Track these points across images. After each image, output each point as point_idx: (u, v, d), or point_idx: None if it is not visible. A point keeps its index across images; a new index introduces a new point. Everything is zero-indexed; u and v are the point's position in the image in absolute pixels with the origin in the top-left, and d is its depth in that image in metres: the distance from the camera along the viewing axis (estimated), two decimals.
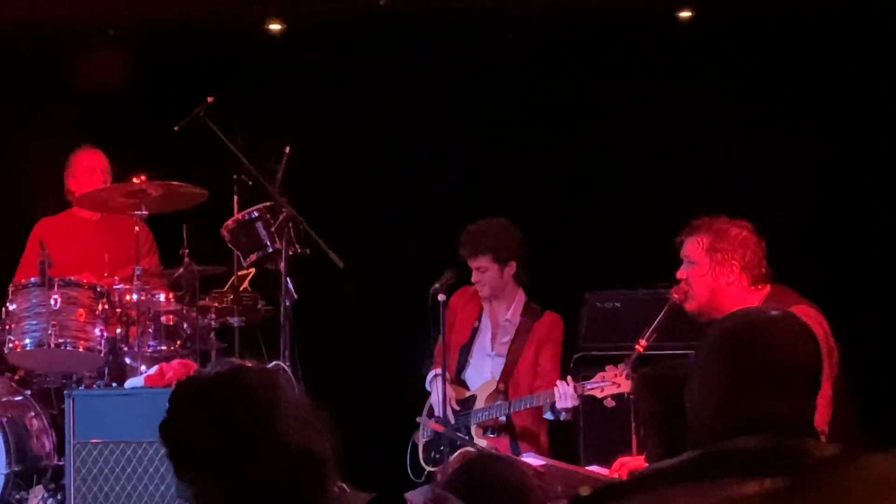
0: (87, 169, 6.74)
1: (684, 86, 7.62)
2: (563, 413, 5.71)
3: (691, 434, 2.67)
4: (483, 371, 6.29)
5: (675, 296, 4.96)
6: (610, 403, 5.52)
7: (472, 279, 6.26)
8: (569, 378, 5.69)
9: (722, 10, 7.57)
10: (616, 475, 4.43)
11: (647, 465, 3.26)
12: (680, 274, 4.86)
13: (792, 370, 2.66)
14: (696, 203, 5.34)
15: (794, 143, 7.53)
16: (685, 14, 7.61)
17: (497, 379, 6.20)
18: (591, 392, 5.55)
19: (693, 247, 4.83)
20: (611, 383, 5.45)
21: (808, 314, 4.74)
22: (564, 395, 5.62)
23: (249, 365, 2.64)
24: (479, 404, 6.19)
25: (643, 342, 5.06)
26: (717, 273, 4.77)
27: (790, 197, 7.43)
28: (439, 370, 6.24)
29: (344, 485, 2.65)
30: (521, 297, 6.34)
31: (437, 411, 6.21)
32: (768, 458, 2.54)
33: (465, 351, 6.32)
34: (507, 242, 6.22)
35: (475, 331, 6.35)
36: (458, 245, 6.29)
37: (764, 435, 2.57)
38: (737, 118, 7.62)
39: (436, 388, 6.25)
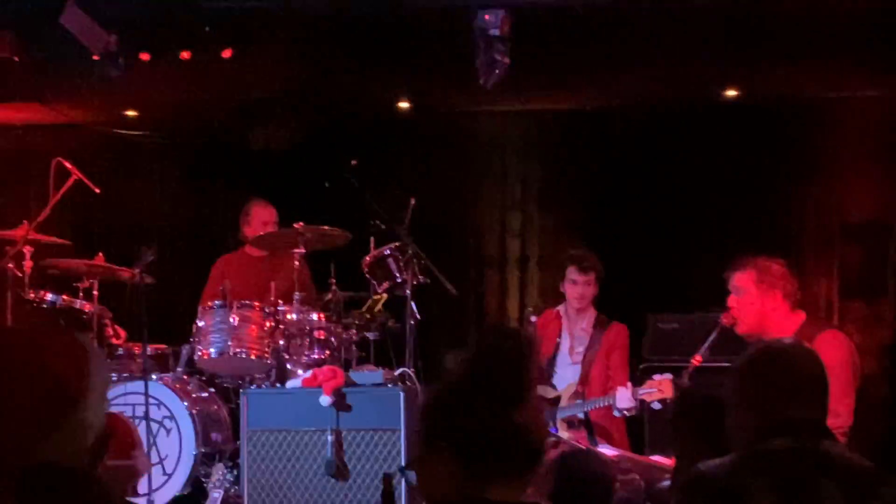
0: (262, 221, 6.77)
1: (732, 154, 7.61)
2: (626, 411, 5.70)
3: (731, 438, 2.70)
4: (566, 377, 6.29)
5: (725, 320, 4.92)
6: (656, 406, 5.51)
7: (576, 291, 6.16)
8: (629, 384, 5.69)
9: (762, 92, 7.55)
10: None
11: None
12: (731, 302, 4.81)
13: (804, 383, 2.68)
14: (739, 243, 5.34)
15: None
16: (731, 93, 7.57)
17: (577, 383, 6.20)
18: (642, 397, 5.54)
19: (742, 279, 4.78)
20: (656, 390, 5.44)
21: (837, 337, 4.70)
22: (623, 397, 5.62)
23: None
24: (563, 402, 6.19)
25: (698, 357, 5.00)
26: (764, 301, 4.72)
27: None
28: None
29: None
30: (592, 312, 6.31)
31: None
32: (800, 458, 2.57)
33: (551, 362, 6.32)
34: (602, 271, 6.23)
35: (557, 345, 6.34)
36: (572, 259, 6.22)
37: (791, 438, 2.59)
38: (769, 180, 7.61)
39: None
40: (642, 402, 5.52)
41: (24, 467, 1.74)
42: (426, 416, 2.09)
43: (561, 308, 6.33)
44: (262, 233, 6.66)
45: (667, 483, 3.73)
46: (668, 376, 5.45)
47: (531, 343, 2.11)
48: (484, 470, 1.99)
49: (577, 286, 6.18)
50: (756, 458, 2.56)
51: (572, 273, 6.20)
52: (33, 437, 1.76)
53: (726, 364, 4.99)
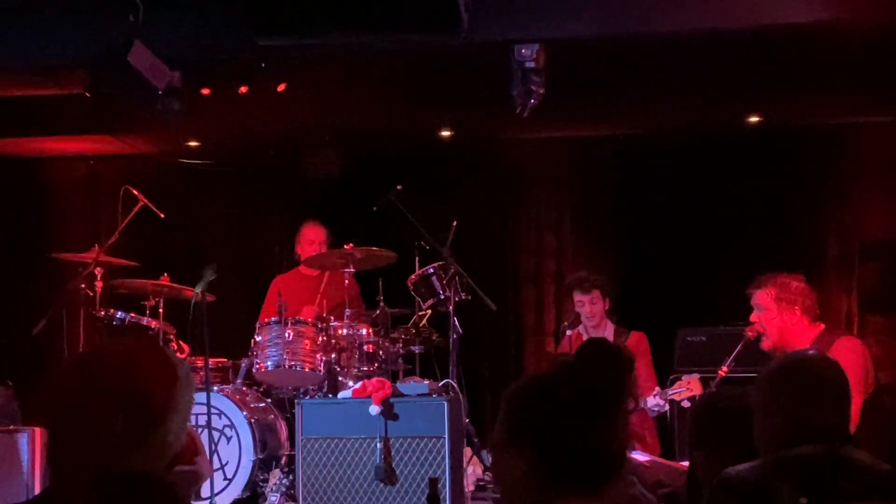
0: (311, 241, 6.85)
1: (756, 177, 7.56)
2: (657, 412, 5.69)
3: (759, 443, 2.68)
4: None
5: (749, 333, 4.90)
6: (686, 404, 5.50)
7: (585, 311, 6.25)
8: (657, 389, 5.67)
9: (783, 118, 7.51)
10: None
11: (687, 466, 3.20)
12: (753, 318, 4.79)
13: (827, 393, 2.66)
14: (763, 261, 5.31)
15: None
16: (754, 119, 7.53)
17: None
18: (672, 396, 5.53)
19: (763, 297, 4.76)
20: (686, 389, 5.45)
21: (852, 341, 4.69)
22: (650, 401, 5.61)
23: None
24: None
25: (724, 369, 4.99)
26: (784, 317, 4.70)
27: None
28: None
29: None
30: (611, 326, 6.33)
31: None
32: (824, 463, 2.55)
33: None
34: (606, 283, 6.27)
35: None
36: (573, 285, 6.33)
37: (816, 444, 2.58)
38: (791, 201, 7.57)
39: None
40: (672, 401, 5.52)
41: (105, 476, 1.76)
42: (512, 409, 1.95)
43: (581, 327, 6.34)
44: (311, 252, 6.71)
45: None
46: (696, 375, 5.47)
47: (630, 363, 1.95)
48: (560, 478, 1.87)
49: (585, 306, 6.26)
50: (782, 463, 2.54)
51: (577, 296, 6.33)
52: (116, 453, 1.78)
53: (750, 374, 4.99)
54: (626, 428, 1.93)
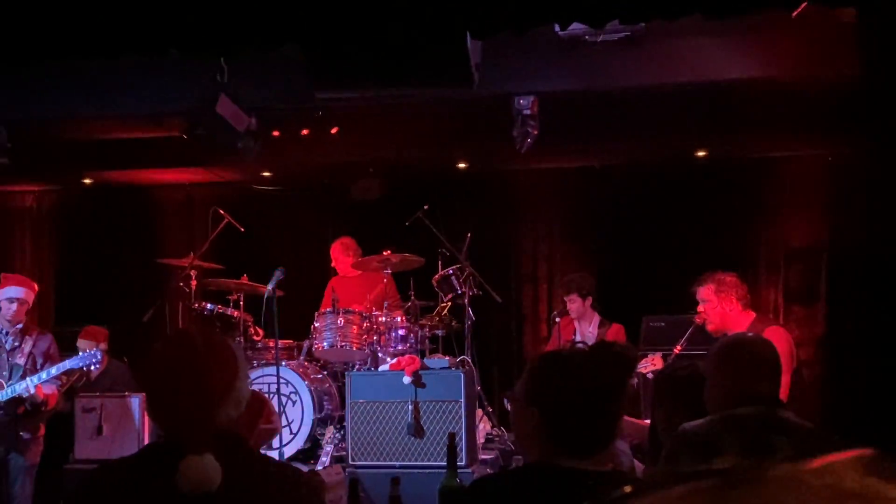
0: (333, 258, 6.94)
1: (704, 198, 7.53)
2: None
3: (709, 405, 2.67)
4: None
5: (698, 320, 4.88)
6: (650, 376, 5.46)
7: (568, 307, 6.26)
8: None
9: (725, 152, 7.47)
10: None
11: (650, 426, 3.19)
12: (700, 308, 4.79)
13: (763, 366, 2.65)
14: (709, 264, 5.28)
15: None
16: (701, 153, 7.50)
17: None
18: (640, 370, 5.50)
19: (705, 291, 4.76)
20: (650, 364, 5.41)
21: (779, 330, 4.65)
22: None
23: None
24: None
25: (678, 347, 4.99)
26: (723, 305, 4.69)
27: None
28: None
29: None
30: (596, 318, 6.30)
31: None
32: (760, 421, 2.54)
33: None
34: (585, 285, 6.23)
35: (573, 341, 6.32)
36: (559, 287, 6.38)
37: (754, 406, 2.57)
38: (732, 217, 7.52)
39: None
40: (640, 374, 5.50)
41: (212, 429, 1.81)
42: (533, 374, 1.90)
43: (571, 315, 6.34)
44: (335, 265, 6.82)
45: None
46: (659, 354, 5.43)
47: (632, 367, 1.93)
48: (561, 440, 1.85)
49: (566, 304, 6.26)
50: (727, 421, 2.55)
51: (562, 296, 6.36)
52: (215, 403, 1.84)
53: (699, 352, 4.99)
54: (620, 414, 1.89)
